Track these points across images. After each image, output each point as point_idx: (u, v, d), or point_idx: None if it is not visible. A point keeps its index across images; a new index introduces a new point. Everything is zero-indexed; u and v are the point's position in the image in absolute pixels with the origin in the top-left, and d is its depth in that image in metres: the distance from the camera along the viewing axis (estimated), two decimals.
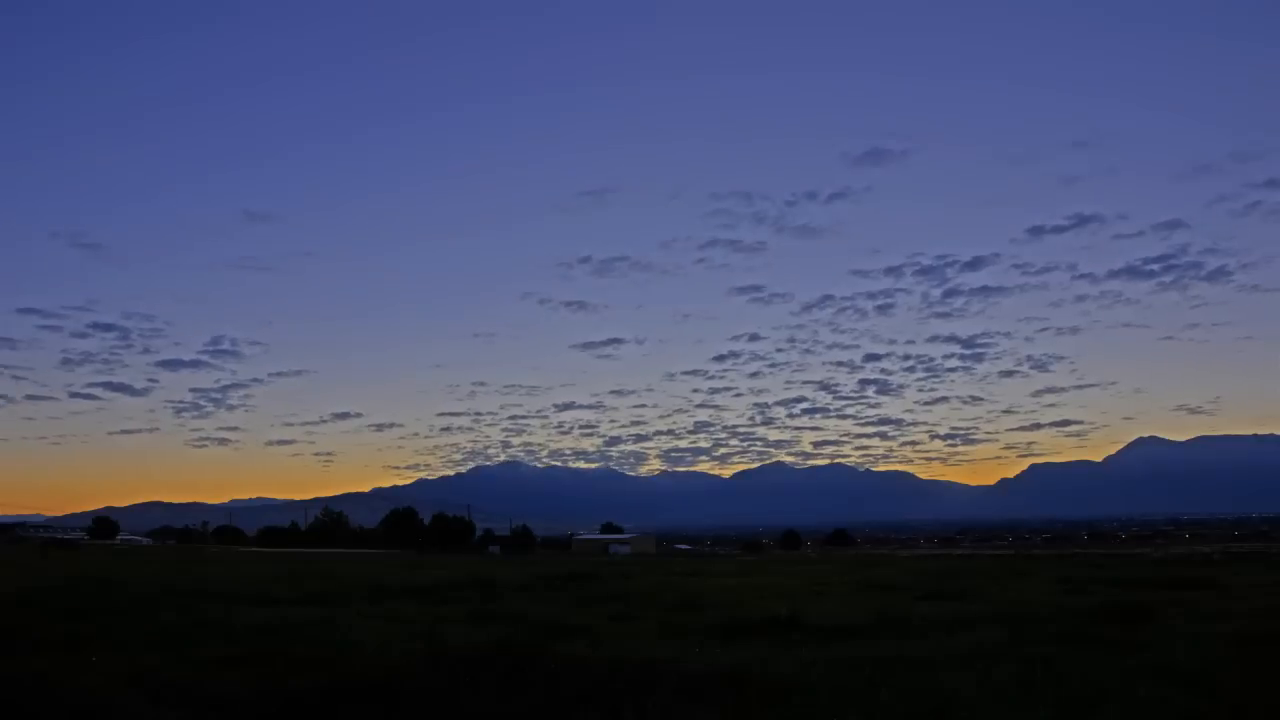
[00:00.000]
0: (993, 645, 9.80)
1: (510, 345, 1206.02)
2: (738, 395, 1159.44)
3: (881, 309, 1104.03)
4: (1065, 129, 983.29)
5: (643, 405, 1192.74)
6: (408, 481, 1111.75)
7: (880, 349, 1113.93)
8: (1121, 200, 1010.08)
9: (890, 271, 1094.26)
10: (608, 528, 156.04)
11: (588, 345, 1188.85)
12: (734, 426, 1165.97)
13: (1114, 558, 52.60)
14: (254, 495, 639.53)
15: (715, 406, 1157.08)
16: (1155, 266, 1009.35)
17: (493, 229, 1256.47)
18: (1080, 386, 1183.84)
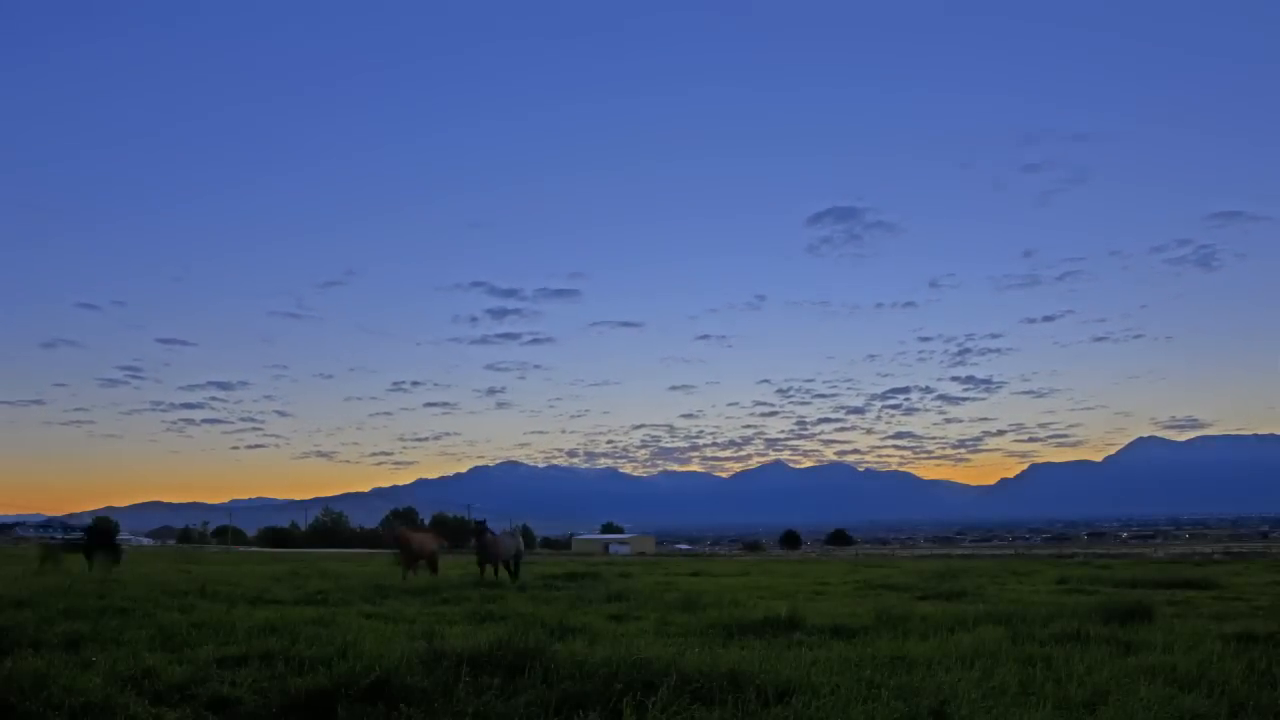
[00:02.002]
0: (993, 645, 9.79)
1: (623, 387, 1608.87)
2: (785, 417, 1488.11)
3: (919, 359, 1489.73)
4: (1057, 266, 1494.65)
5: (701, 427, 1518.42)
6: (407, 482, 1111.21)
7: (908, 383, 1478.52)
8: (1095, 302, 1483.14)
9: (924, 340, 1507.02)
10: (608, 528, 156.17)
11: (677, 386, 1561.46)
12: (773, 439, 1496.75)
13: (1114, 558, 52.59)
14: (254, 495, 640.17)
15: (758, 426, 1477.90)
16: (1125, 335, 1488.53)
17: (649, 332, 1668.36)
18: (1075, 409, 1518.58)
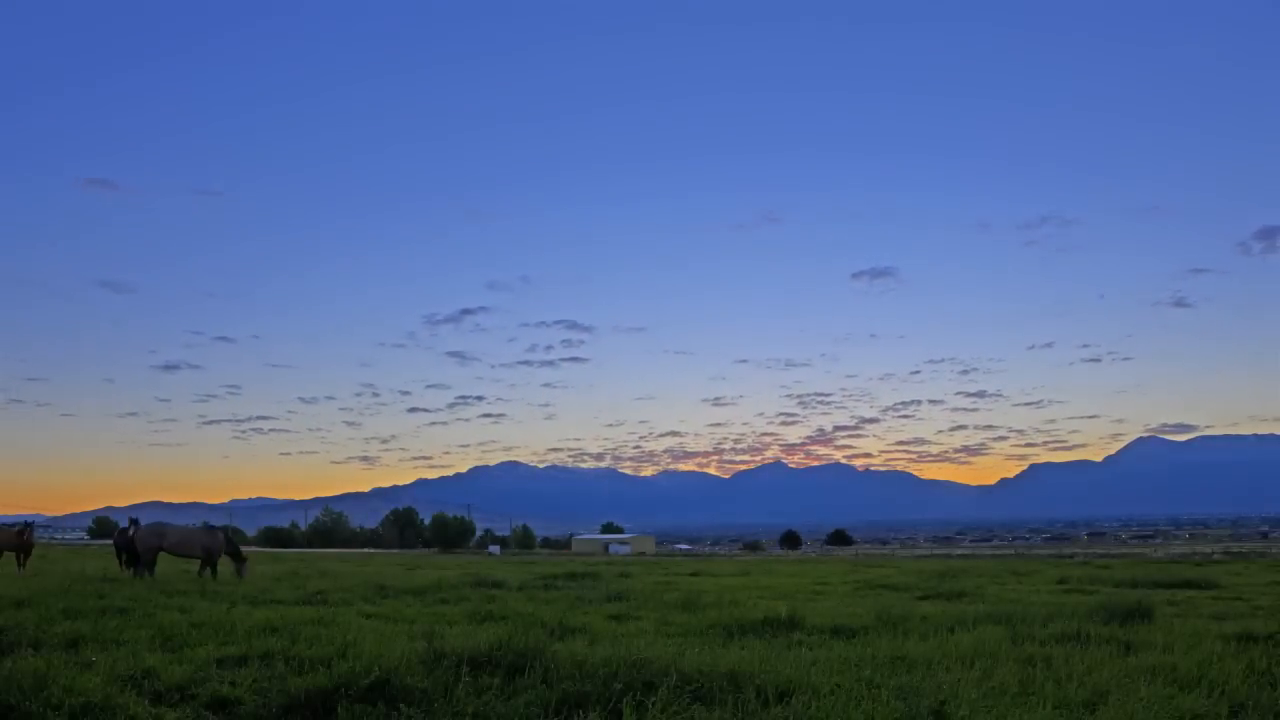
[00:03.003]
0: (993, 645, 9.79)
1: (660, 401, 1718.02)
2: (804, 426, 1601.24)
3: (931, 376, 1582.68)
4: (1053, 307, 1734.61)
5: (727, 434, 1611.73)
6: (407, 482, 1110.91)
7: (917, 396, 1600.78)
8: (1087, 331, 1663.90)
9: (933, 363, 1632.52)
10: (608, 528, 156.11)
11: (707, 398, 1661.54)
12: (792, 444, 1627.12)
13: (1114, 557, 52.59)
14: (254, 495, 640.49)
15: (777, 434, 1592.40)
16: (1114, 358, 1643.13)
17: (697, 359, 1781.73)
18: (1074, 417, 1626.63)
